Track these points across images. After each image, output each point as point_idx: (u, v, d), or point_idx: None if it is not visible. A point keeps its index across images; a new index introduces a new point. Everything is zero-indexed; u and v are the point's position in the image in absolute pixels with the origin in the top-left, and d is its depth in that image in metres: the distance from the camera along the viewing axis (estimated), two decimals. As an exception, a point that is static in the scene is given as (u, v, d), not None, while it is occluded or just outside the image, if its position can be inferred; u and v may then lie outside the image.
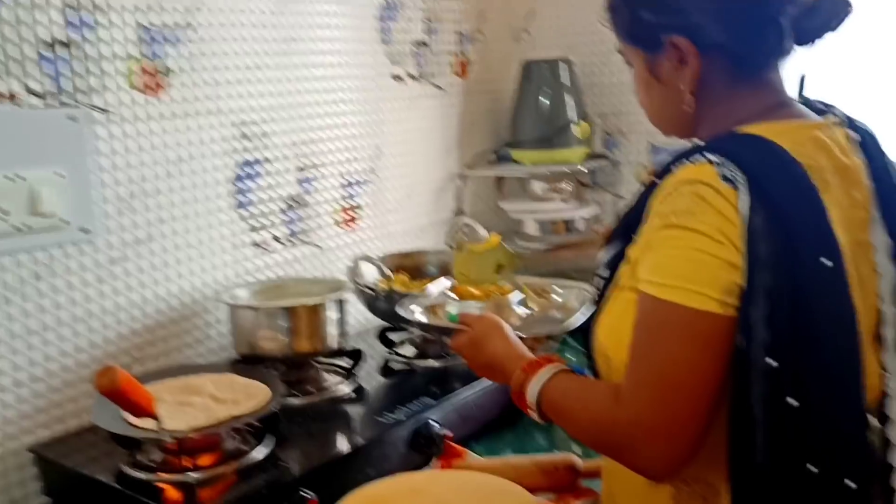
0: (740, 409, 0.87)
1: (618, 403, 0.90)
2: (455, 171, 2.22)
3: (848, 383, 0.89)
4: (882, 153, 1.02)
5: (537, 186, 2.25)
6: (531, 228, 2.25)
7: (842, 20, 0.97)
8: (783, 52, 0.98)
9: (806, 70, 1.72)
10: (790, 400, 0.85)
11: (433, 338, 1.56)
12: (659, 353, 0.88)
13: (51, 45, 1.33)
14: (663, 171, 0.94)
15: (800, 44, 0.98)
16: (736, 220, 0.85)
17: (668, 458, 0.88)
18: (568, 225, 2.25)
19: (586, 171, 2.22)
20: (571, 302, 1.46)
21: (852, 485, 0.87)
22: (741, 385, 0.87)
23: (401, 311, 1.44)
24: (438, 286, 1.58)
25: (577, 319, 1.35)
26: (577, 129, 2.17)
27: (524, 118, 2.21)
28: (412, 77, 2.06)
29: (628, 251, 0.97)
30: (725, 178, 0.86)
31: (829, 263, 0.86)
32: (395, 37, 1.99)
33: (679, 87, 0.99)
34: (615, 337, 0.97)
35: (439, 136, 2.17)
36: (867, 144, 1.00)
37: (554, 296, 1.48)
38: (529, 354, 1.09)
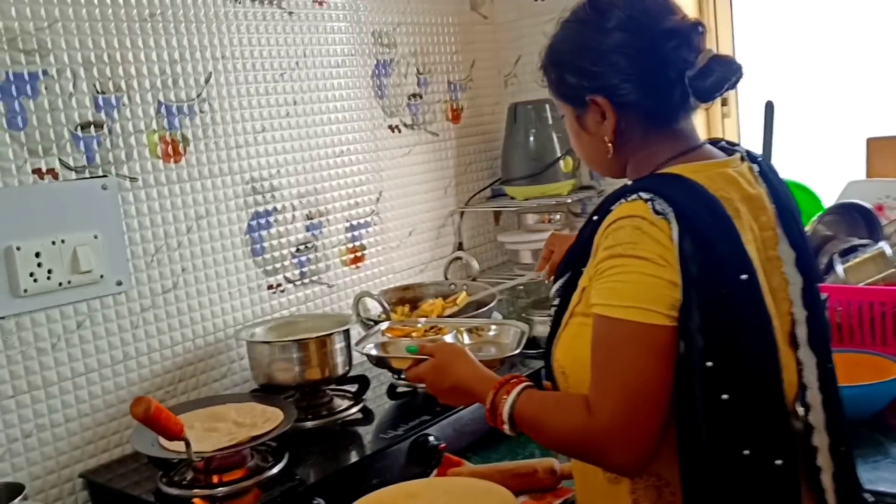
0: (685, 408, 1.02)
1: (589, 414, 1.02)
2: (453, 208, 2.42)
3: (769, 376, 1.05)
4: (779, 179, 1.19)
5: (530, 218, 2.43)
6: (526, 257, 2.42)
7: (735, 80, 1.11)
8: (688, 106, 1.14)
9: (772, 98, 1.89)
10: (724, 395, 1.00)
11: (389, 370, 1.69)
12: (620, 366, 1.01)
13: (83, 127, 1.55)
14: (603, 211, 1.08)
15: (702, 100, 1.13)
16: (670, 246, 0.99)
17: (637, 456, 1.02)
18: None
19: (575, 201, 2.40)
20: (503, 338, 1.59)
21: (779, 462, 1.03)
22: (685, 387, 1.01)
23: (356, 350, 1.56)
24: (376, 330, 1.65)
25: (518, 346, 1.52)
26: (564, 164, 2.35)
27: (514, 156, 2.39)
28: (407, 126, 2.26)
29: (580, 281, 1.11)
30: (657, 212, 1.01)
31: (745, 277, 1.01)
32: (389, 91, 2.20)
33: (602, 138, 1.15)
34: (570, 355, 1.12)
35: (436, 177, 2.36)
36: (765, 174, 1.16)
37: (489, 332, 1.62)
38: (496, 375, 1.20)
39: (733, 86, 1.12)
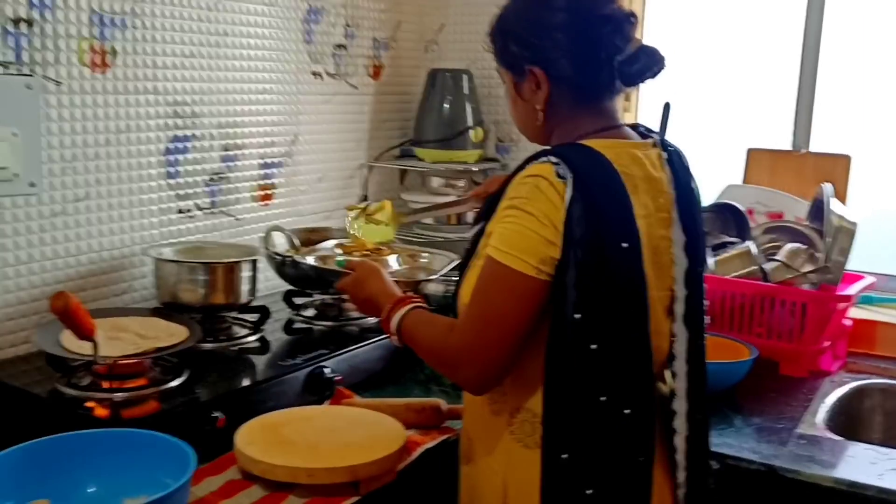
0: (555, 354, 1.15)
1: (450, 333, 1.19)
2: (363, 161, 2.48)
3: (636, 336, 1.18)
4: (686, 169, 1.30)
5: (435, 181, 2.53)
6: (428, 219, 2.53)
7: (657, 70, 1.22)
8: (614, 88, 1.26)
9: (669, 99, 2.07)
10: (592, 345, 1.13)
11: (319, 277, 1.84)
12: (486, 300, 1.15)
13: (15, 22, 1.53)
14: (519, 168, 1.19)
15: (626, 84, 1.26)
16: (560, 207, 1.10)
17: (481, 377, 1.17)
18: (459, 218, 2.52)
19: (479, 171, 2.52)
20: (434, 264, 1.85)
21: (628, 412, 1.17)
22: (556, 335, 1.14)
23: (298, 259, 1.76)
24: (327, 246, 1.94)
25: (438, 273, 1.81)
26: (474, 134, 2.46)
27: (427, 120, 2.48)
28: (330, 75, 2.31)
29: (487, 227, 1.22)
30: (559, 175, 1.11)
31: (626, 245, 1.14)
32: (317, 38, 2.24)
33: (535, 106, 1.26)
34: (469, 291, 1.20)
35: (351, 130, 2.42)
36: (673, 162, 1.27)
37: (421, 259, 1.87)
38: (399, 293, 1.34)
39: (654, 75, 1.23)
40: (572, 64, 1.22)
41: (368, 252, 1.87)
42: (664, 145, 1.29)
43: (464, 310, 1.19)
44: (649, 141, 1.28)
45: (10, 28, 1.53)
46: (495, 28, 1.29)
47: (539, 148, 1.23)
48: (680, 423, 1.25)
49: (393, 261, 1.85)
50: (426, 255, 1.92)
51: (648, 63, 1.22)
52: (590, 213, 1.11)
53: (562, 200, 1.11)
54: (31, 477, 1.17)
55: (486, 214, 1.25)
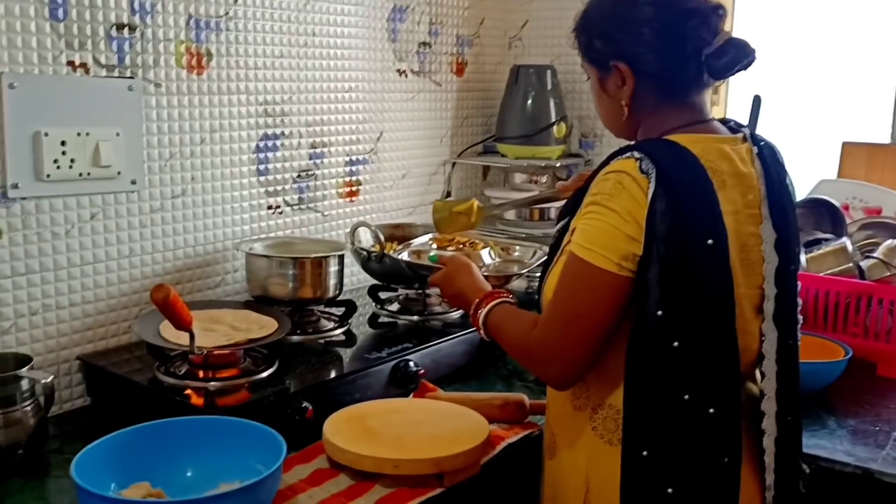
0: (637, 351, 1.14)
1: (534, 329, 1.19)
2: (446, 158, 2.50)
3: (723, 334, 1.15)
4: (779, 164, 1.27)
5: (518, 177, 2.54)
6: (510, 214, 2.53)
7: (747, 63, 1.21)
8: (702, 82, 1.24)
9: (760, 92, 2.01)
10: (675, 343, 1.12)
11: (415, 274, 1.86)
12: (566, 294, 1.16)
13: (118, 27, 1.61)
14: (604, 163, 1.18)
15: (715, 78, 1.23)
16: (643, 203, 1.09)
17: (565, 373, 1.17)
18: (542, 214, 2.52)
19: (562, 166, 2.51)
20: (527, 258, 1.91)
21: (712, 411, 1.14)
22: (638, 332, 1.13)
23: (391, 255, 1.80)
24: (421, 241, 1.96)
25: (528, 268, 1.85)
26: (557, 130, 2.46)
27: (510, 116, 2.48)
28: (414, 72, 2.34)
29: (572, 223, 1.21)
30: (643, 171, 1.10)
31: (711, 242, 1.11)
32: (401, 36, 2.27)
33: (620, 102, 1.25)
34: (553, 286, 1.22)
35: (435, 126, 2.45)
36: (765, 156, 1.24)
37: (515, 252, 1.92)
38: (488, 288, 1.37)
39: (745, 67, 1.21)
40: (658, 58, 1.21)
41: (462, 246, 1.90)
42: (755, 139, 1.26)
43: (547, 306, 1.20)
44: (739, 135, 1.25)
45: (114, 33, 1.60)
46: (579, 24, 1.29)
47: (623, 143, 1.23)
48: (769, 425, 1.23)
49: (486, 254, 1.88)
50: (519, 248, 1.97)
51: (737, 56, 1.20)
52: (673, 209, 1.09)
53: (644, 196, 1.10)
54: (132, 461, 1.23)
55: (570, 210, 1.25)
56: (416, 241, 1.92)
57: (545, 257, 1.34)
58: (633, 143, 1.22)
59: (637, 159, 1.12)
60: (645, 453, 1.14)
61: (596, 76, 1.29)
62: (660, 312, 1.11)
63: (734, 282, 1.15)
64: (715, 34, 1.19)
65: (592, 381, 1.21)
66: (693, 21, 1.19)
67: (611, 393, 1.20)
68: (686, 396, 1.14)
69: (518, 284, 2.38)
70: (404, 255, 1.81)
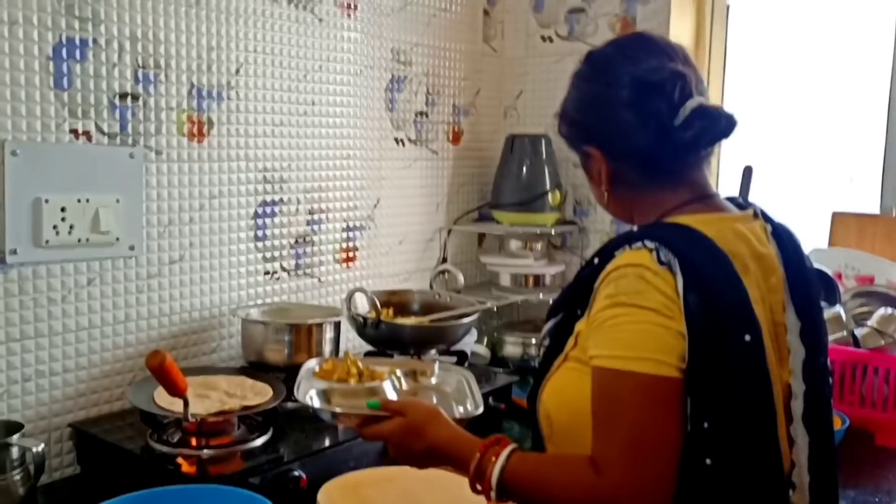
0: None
1: (597, 472, 0.96)
2: (442, 225, 2.53)
3: (765, 448, 1.00)
4: (794, 244, 1.15)
5: (513, 244, 2.55)
6: (505, 280, 2.53)
7: (720, 132, 1.09)
8: (694, 157, 1.12)
9: (751, 163, 2.00)
10: (707, 461, 0.96)
11: (335, 424, 1.49)
12: (628, 420, 0.95)
13: (122, 97, 1.64)
14: (606, 255, 1.05)
15: (685, 153, 1.11)
16: (675, 298, 0.96)
17: None
18: (538, 280, 2.53)
19: (557, 234, 2.53)
20: (445, 386, 1.54)
21: None
22: None
23: (298, 397, 1.39)
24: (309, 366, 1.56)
25: (475, 398, 1.45)
26: (552, 197, 2.48)
27: (506, 183, 2.51)
28: (411, 141, 2.37)
29: (576, 325, 1.07)
30: (661, 262, 0.98)
31: (749, 338, 0.98)
32: (399, 106, 2.32)
33: (600, 186, 1.17)
34: (558, 400, 1.09)
35: (431, 193, 2.47)
36: (780, 235, 1.13)
37: (432, 379, 1.56)
38: (476, 437, 1.11)
39: (718, 138, 1.10)
40: (629, 139, 1.11)
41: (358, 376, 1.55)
42: (765, 216, 1.16)
43: (601, 441, 0.99)
44: (749, 212, 1.15)
45: (117, 102, 1.63)
46: (558, 110, 1.23)
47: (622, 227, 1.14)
48: None
49: (388, 387, 1.51)
50: (435, 374, 1.56)
51: (706, 126, 1.08)
52: (706, 303, 0.96)
53: (674, 290, 0.97)
54: (123, 530, 1.21)
55: (564, 306, 1.13)
56: (304, 374, 1.50)
57: (517, 377, 1.17)
58: (633, 230, 1.12)
59: (651, 249, 1.00)
60: None
61: (580, 161, 1.22)
62: (705, 425, 0.95)
63: (773, 383, 1.01)
64: (677, 107, 1.08)
65: None
66: (652, 96, 1.08)
67: None
68: None
69: (513, 350, 2.39)
70: (315, 401, 1.41)
